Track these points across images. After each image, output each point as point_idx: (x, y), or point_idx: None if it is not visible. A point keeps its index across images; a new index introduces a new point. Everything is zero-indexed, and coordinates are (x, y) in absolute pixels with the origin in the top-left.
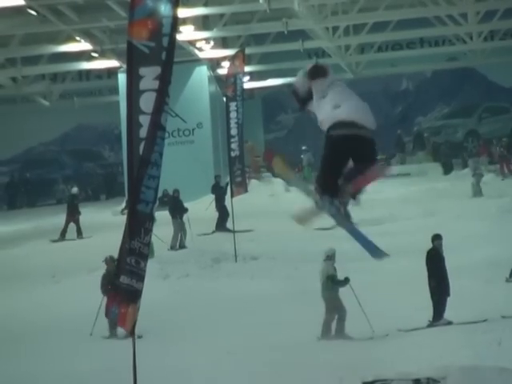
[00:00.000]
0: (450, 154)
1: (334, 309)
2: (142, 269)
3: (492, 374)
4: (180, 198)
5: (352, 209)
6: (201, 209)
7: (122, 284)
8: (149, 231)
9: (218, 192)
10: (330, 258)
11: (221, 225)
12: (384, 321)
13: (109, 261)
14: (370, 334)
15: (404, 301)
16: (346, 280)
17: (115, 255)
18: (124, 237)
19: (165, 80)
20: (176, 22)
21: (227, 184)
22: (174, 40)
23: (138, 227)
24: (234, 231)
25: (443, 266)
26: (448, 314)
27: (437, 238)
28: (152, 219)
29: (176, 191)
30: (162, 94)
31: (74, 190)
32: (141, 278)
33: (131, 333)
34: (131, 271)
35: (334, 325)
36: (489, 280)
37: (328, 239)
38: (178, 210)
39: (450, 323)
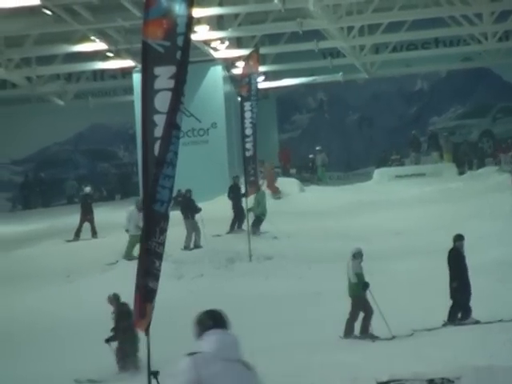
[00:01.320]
0: (468, 154)
1: (360, 307)
2: (157, 268)
3: (506, 374)
4: (192, 198)
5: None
6: (215, 209)
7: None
8: (164, 231)
9: (236, 193)
10: (357, 256)
11: (237, 226)
12: (398, 321)
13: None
14: (387, 334)
15: (418, 301)
16: (366, 285)
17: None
18: (142, 237)
19: (180, 79)
20: (191, 21)
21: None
22: (188, 39)
23: (153, 227)
24: (248, 231)
25: (464, 265)
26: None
27: (458, 238)
28: (167, 219)
29: (188, 191)
30: (177, 94)
31: (87, 189)
32: (156, 277)
33: (146, 333)
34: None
35: (357, 324)
36: (502, 280)
37: (341, 239)
38: (190, 209)
39: (477, 322)
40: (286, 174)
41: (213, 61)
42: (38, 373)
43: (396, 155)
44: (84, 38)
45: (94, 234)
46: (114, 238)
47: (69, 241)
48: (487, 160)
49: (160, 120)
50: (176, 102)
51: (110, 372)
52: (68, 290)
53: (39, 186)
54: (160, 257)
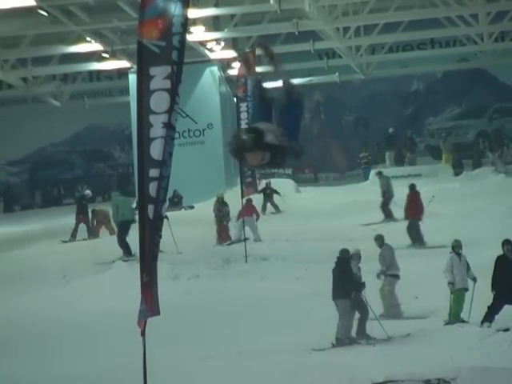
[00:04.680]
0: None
1: (356, 308)
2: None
3: (503, 375)
4: None
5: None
6: (211, 210)
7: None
8: (159, 231)
9: None
10: (354, 258)
11: None
12: (395, 322)
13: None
14: (383, 335)
15: (415, 302)
16: (362, 285)
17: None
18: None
19: (175, 79)
20: (186, 21)
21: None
22: (184, 39)
23: (148, 227)
24: (244, 233)
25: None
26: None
27: (506, 242)
28: (162, 219)
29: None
30: (173, 94)
31: (87, 192)
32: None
33: (142, 333)
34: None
35: (354, 325)
36: None
37: (338, 240)
38: None
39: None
40: None
41: (209, 62)
42: (34, 373)
43: (364, 153)
44: (80, 39)
45: (90, 234)
46: (109, 239)
47: (65, 241)
48: (483, 160)
49: (155, 120)
50: (171, 102)
51: (105, 371)
52: (64, 291)
53: (35, 187)
54: (155, 257)
